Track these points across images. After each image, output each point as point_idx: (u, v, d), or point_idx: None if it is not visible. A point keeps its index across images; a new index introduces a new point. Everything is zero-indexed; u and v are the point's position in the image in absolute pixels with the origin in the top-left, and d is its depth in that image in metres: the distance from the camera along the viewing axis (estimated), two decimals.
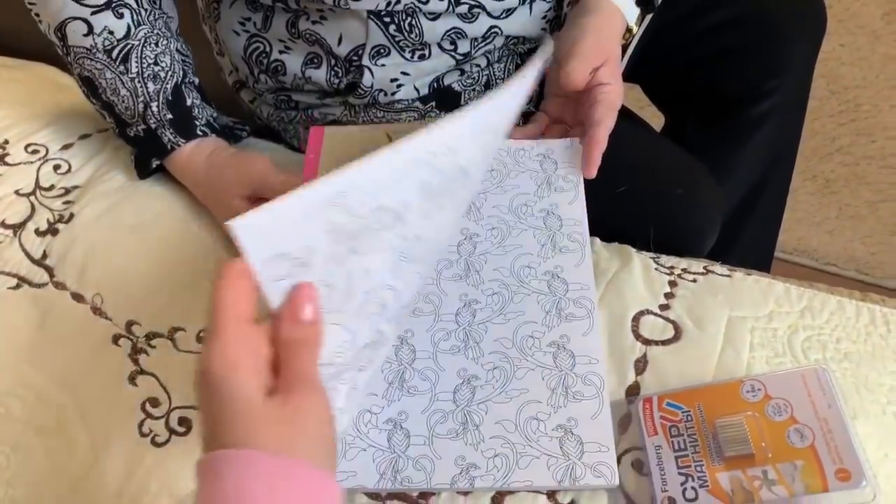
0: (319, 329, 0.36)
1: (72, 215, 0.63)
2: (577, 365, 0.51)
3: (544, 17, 0.67)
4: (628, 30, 0.65)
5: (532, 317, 0.53)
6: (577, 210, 0.59)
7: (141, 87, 0.62)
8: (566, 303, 0.54)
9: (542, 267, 0.56)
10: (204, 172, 0.63)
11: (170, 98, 0.63)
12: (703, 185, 0.72)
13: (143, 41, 0.61)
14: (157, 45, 0.62)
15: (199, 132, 0.64)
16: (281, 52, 0.66)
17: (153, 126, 0.62)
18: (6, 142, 0.69)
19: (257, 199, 0.61)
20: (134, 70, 0.61)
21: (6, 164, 0.67)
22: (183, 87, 0.64)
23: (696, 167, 0.73)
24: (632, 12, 0.65)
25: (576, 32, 0.62)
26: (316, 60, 0.65)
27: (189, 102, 0.64)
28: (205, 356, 0.33)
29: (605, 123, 0.60)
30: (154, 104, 0.62)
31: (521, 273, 0.55)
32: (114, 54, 0.61)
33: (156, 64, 0.62)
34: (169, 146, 0.63)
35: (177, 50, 0.65)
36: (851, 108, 1.19)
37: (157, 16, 0.63)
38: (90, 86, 0.62)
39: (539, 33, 0.68)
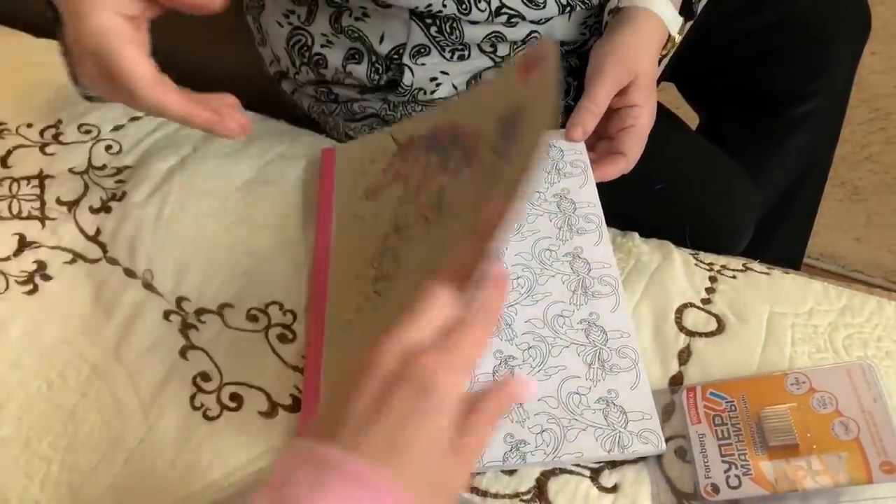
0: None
1: (124, 193, 0.64)
2: (609, 340, 0.52)
3: (584, 24, 0.67)
4: (670, 38, 0.64)
5: (559, 297, 0.54)
6: (589, 193, 0.60)
7: None
8: (591, 281, 0.55)
9: (562, 249, 0.57)
10: None
11: None
12: (740, 185, 0.72)
13: None
14: None
15: None
16: (323, 45, 0.67)
17: None
18: (60, 121, 0.70)
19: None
20: None
21: (60, 142, 0.68)
22: None
23: (732, 166, 0.73)
24: (675, 21, 0.63)
25: (602, 51, 0.61)
26: (357, 56, 0.66)
27: None
28: (430, 363, 0.33)
29: (629, 157, 0.60)
30: None
31: (543, 256, 0.57)
32: None
33: None
34: None
35: None
36: (881, 117, 1.19)
37: None
38: None
39: (579, 38, 0.68)
